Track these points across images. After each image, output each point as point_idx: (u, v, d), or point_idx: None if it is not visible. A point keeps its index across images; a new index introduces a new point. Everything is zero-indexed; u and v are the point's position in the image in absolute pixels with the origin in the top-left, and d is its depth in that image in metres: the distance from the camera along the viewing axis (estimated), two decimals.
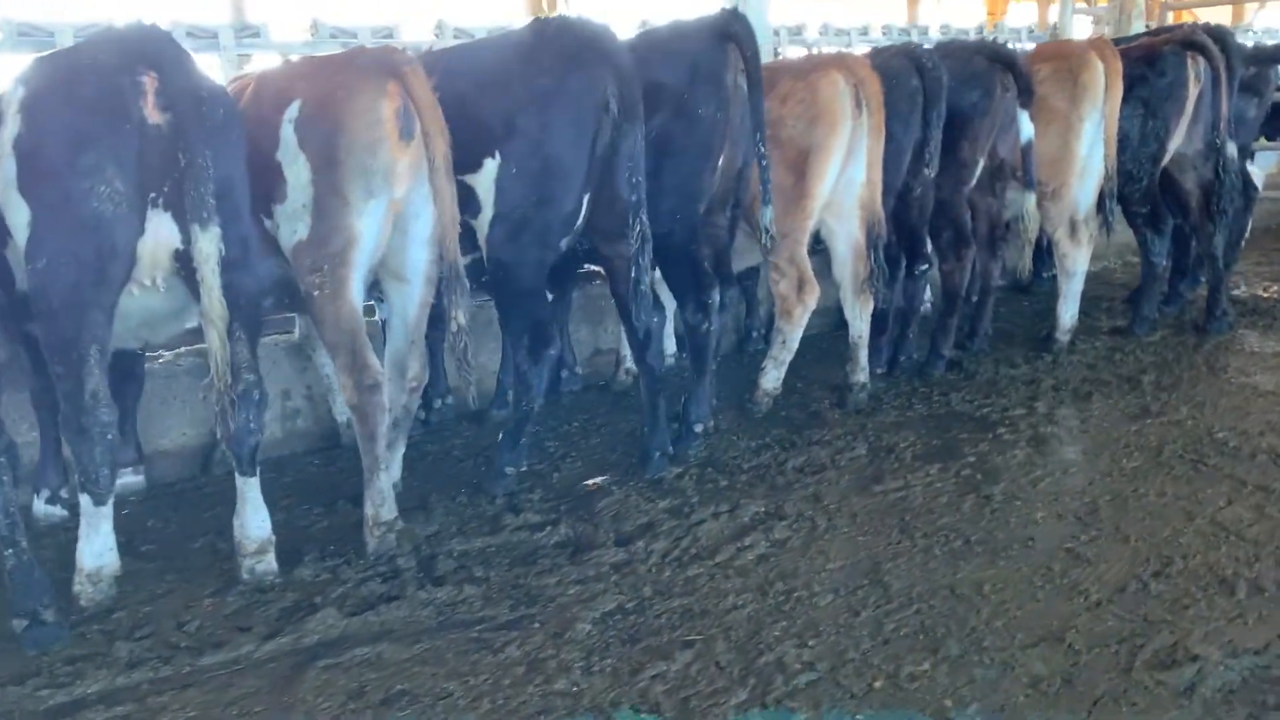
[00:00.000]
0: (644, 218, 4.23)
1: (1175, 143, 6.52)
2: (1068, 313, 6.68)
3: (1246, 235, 9.72)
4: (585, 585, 3.81)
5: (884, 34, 8.37)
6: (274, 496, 4.81)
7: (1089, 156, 6.44)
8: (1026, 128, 6.11)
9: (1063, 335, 6.68)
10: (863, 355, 5.72)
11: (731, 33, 4.76)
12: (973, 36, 8.90)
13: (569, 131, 4.27)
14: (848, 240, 5.57)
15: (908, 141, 5.74)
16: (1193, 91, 6.45)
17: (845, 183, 5.45)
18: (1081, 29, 10.19)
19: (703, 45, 4.78)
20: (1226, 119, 7.04)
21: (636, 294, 4.29)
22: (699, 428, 5.09)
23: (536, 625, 3.56)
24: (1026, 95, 6.11)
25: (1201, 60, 6.39)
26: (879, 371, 6.11)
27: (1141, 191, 6.56)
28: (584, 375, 6.36)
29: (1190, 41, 6.44)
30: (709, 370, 5.10)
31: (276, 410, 5.37)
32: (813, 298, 5.52)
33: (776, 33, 7.69)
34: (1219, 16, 18.86)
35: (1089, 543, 3.98)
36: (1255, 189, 8.64)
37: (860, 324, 5.67)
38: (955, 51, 6.28)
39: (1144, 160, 6.47)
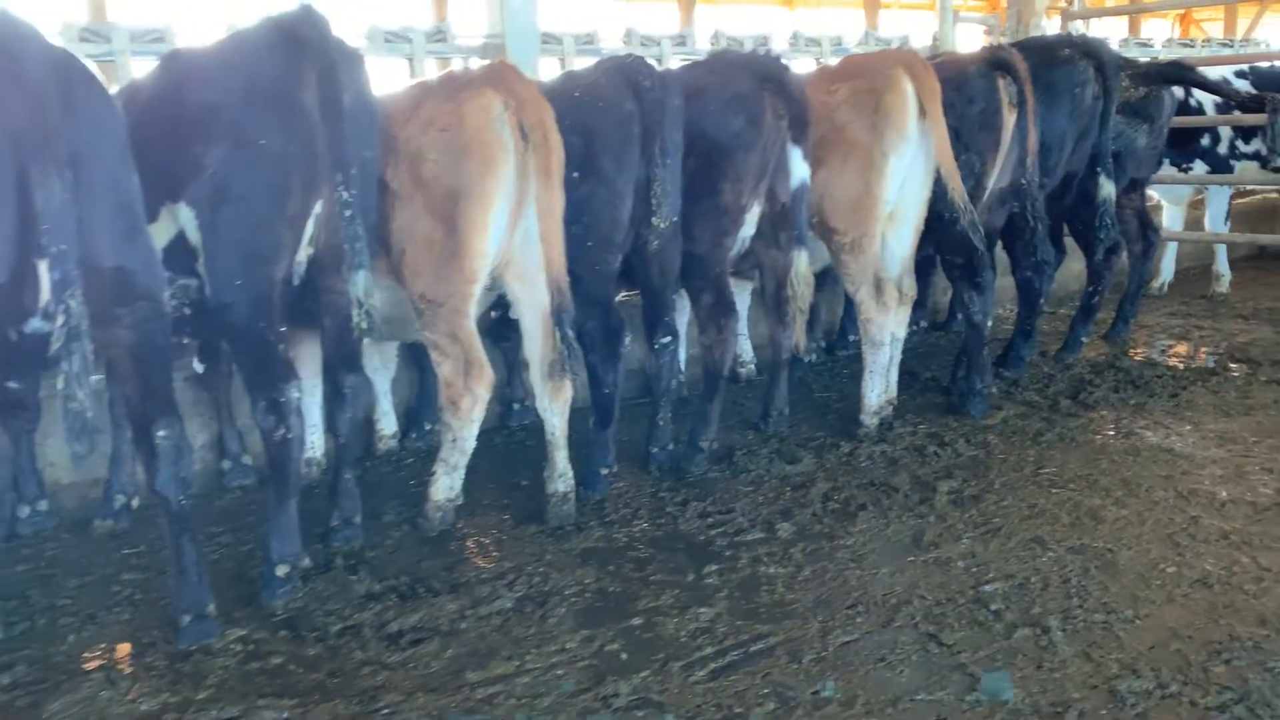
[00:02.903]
0: (72, 301, 2.90)
1: (993, 179, 5.22)
2: (873, 391, 5.38)
3: (1166, 281, 8.49)
4: None
5: (712, 43, 7.04)
6: None
7: (900, 200, 5.17)
8: (799, 168, 4.83)
9: (869, 418, 5.37)
10: (561, 458, 4.40)
11: (302, 37, 3.48)
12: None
13: None
14: (534, 311, 4.27)
15: (624, 183, 4.43)
16: (1008, 119, 5.16)
17: (524, 237, 4.15)
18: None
19: (260, 56, 3.51)
20: (1105, 149, 5.85)
21: (65, 411, 2.96)
22: (282, 570, 3.76)
23: None
24: (799, 126, 4.81)
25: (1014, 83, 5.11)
26: (604, 472, 4.77)
27: (956, 239, 5.25)
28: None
29: (998, 61, 5.16)
30: (293, 493, 3.78)
31: None
32: (484, 385, 4.21)
33: (558, 40, 6.35)
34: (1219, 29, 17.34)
35: None
36: (1155, 231, 7.32)
37: (554, 419, 4.36)
38: (719, 67, 5.00)
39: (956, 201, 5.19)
